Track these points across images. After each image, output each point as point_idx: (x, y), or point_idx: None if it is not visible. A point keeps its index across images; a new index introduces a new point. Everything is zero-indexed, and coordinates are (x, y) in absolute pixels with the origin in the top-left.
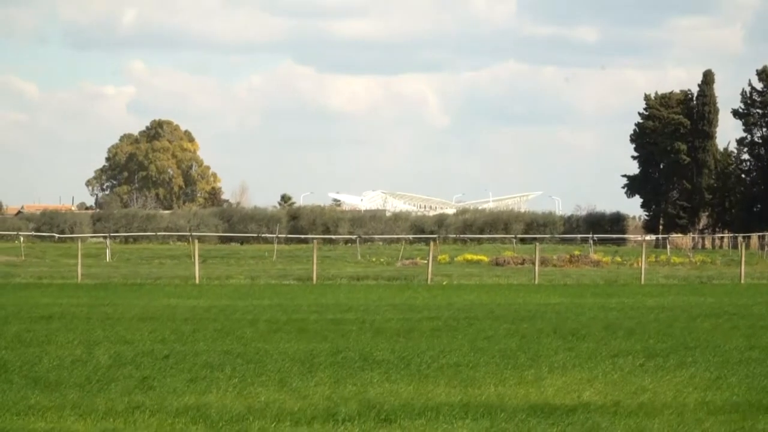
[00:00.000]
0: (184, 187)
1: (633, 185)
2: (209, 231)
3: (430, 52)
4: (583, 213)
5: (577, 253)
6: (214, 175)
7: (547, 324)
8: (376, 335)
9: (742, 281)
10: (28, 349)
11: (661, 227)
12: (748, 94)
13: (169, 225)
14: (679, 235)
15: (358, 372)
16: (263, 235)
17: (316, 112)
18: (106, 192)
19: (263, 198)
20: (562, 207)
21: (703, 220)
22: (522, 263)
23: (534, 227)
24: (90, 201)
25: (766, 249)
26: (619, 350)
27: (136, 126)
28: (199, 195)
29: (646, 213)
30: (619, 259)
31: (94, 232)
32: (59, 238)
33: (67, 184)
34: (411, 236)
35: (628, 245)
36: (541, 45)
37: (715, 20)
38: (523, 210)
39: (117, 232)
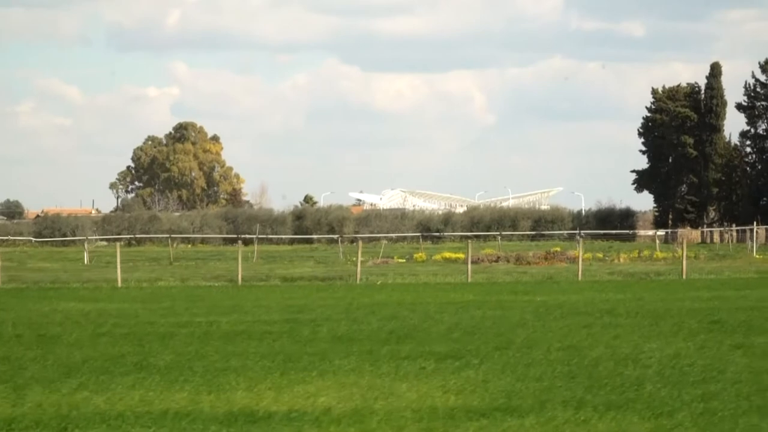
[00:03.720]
0: (206, 188)
1: (642, 180)
2: (213, 232)
3: (476, 49)
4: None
5: (557, 249)
6: (237, 176)
7: (399, 324)
8: (199, 339)
9: (684, 277)
10: None
11: (670, 222)
12: (752, 87)
13: (171, 227)
14: (676, 229)
15: (115, 378)
16: (242, 236)
17: (360, 112)
18: (131, 194)
19: (294, 198)
20: (585, 203)
21: (711, 214)
22: (497, 261)
23: (542, 224)
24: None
25: (749, 243)
26: (415, 352)
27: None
28: (221, 196)
29: (656, 208)
30: (600, 255)
31: (102, 235)
32: (35, 242)
33: (99, 187)
34: (394, 235)
35: (638, 240)
36: (588, 40)
37: (764, 12)
38: (545, 207)
39: (120, 235)
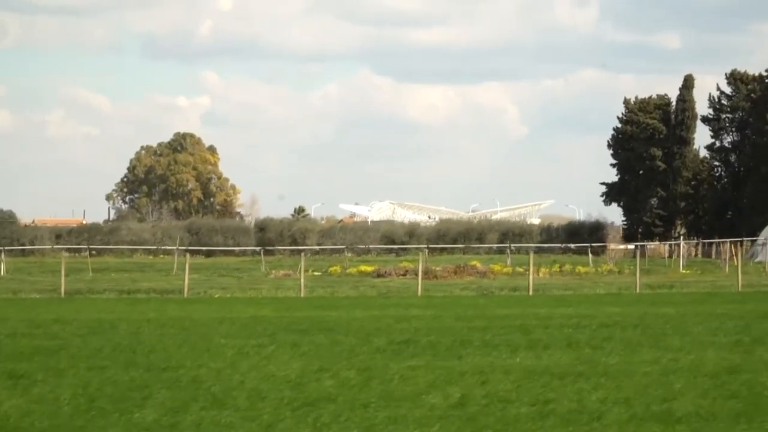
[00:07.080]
0: (203, 199)
1: (611, 193)
2: (173, 244)
3: (509, 60)
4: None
5: (475, 263)
6: (233, 187)
7: (77, 341)
8: None
9: (530, 293)
10: None
11: (639, 235)
12: (717, 99)
13: (132, 239)
14: (618, 245)
15: None
16: (176, 248)
17: (391, 122)
18: (128, 205)
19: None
20: (581, 216)
21: (678, 228)
22: (404, 275)
23: (509, 237)
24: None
25: (672, 257)
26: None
27: (209, 137)
28: (216, 208)
29: (624, 221)
30: (520, 269)
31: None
32: None
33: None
34: (317, 247)
35: (609, 254)
36: (623, 52)
37: None
38: (536, 220)
39: (79, 245)
